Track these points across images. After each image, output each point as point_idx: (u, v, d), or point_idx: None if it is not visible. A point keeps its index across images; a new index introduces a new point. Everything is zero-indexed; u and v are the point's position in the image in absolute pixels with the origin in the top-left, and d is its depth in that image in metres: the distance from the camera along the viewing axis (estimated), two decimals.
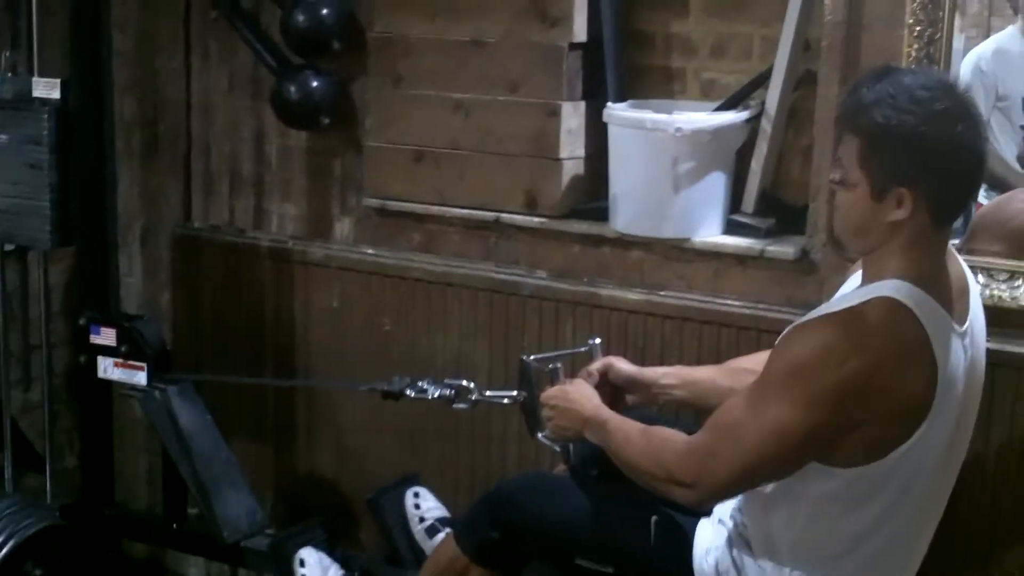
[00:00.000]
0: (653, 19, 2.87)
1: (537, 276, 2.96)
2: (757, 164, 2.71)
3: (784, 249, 2.67)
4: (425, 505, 2.82)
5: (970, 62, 2.79)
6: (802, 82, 2.69)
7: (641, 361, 2.53)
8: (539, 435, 2.38)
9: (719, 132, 2.69)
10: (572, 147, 2.89)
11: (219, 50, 3.41)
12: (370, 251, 3.21)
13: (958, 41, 2.55)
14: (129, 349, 2.92)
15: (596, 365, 2.42)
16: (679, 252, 2.77)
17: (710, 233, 2.74)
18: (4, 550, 2.62)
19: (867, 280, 1.99)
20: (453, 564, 2.37)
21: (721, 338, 2.70)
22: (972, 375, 2.02)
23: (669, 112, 2.70)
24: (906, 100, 1.88)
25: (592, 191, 2.91)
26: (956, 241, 2.36)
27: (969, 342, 1.99)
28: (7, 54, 3.09)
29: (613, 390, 2.40)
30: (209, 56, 3.43)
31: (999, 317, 2.38)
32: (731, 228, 2.76)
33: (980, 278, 2.45)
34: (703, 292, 2.76)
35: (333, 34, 3.11)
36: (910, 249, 1.93)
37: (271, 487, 3.37)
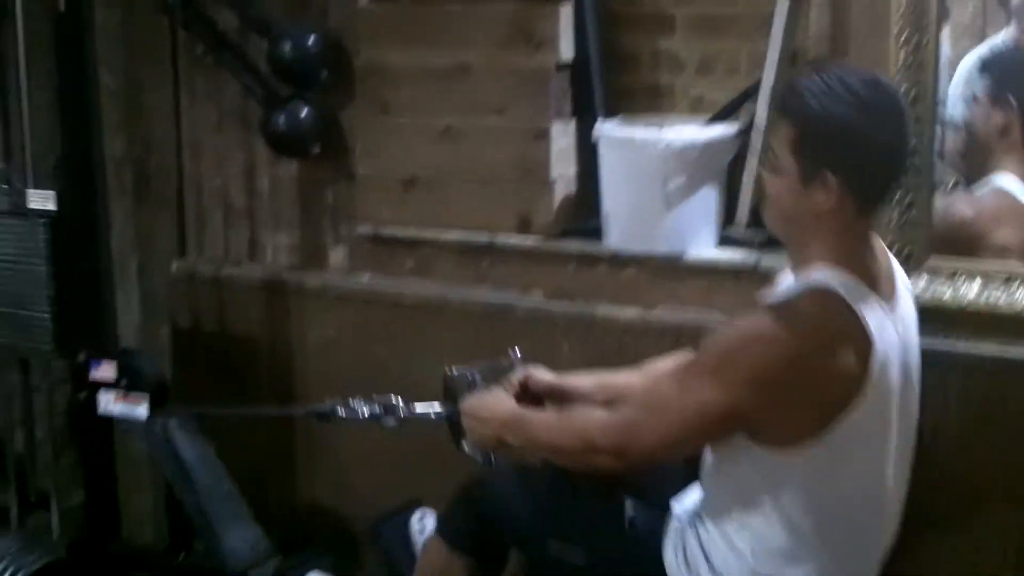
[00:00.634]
0: (639, 37, 2.89)
1: (531, 298, 2.96)
2: (748, 178, 2.71)
3: (778, 262, 2.67)
4: (430, 527, 2.82)
5: (964, 68, 2.80)
6: None
7: None
8: (464, 446, 2.37)
9: (709, 147, 2.70)
10: (563, 167, 2.90)
11: (207, 85, 3.42)
12: (365, 279, 3.21)
13: (946, 47, 2.56)
14: (128, 383, 2.92)
15: (515, 376, 2.45)
16: (673, 269, 2.77)
17: (704, 248, 2.75)
18: None
19: (796, 268, 2.08)
20: (438, 556, 2.40)
21: None
22: (907, 360, 2.09)
23: (658, 128, 2.71)
24: (841, 91, 1.97)
25: (585, 211, 2.91)
26: None
27: (901, 326, 2.07)
28: (0, 166, 3.10)
29: (533, 400, 2.42)
30: (196, 92, 3.44)
31: (997, 323, 2.41)
32: (724, 242, 2.76)
33: (977, 282, 2.46)
34: (698, 307, 2.76)
35: (319, 64, 3.13)
36: (836, 236, 2.01)
37: (272, 517, 3.36)
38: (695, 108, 2.85)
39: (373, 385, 3.09)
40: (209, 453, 3.00)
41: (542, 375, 2.45)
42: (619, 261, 2.84)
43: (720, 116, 2.75)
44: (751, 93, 2.71)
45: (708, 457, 2.16)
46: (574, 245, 2.90)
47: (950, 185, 2.71)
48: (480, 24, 2.91)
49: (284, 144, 3.23)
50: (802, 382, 1.95)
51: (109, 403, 2.94)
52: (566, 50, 2.85)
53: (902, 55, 2.45)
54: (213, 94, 3.41)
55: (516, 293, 2.98)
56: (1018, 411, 2.43)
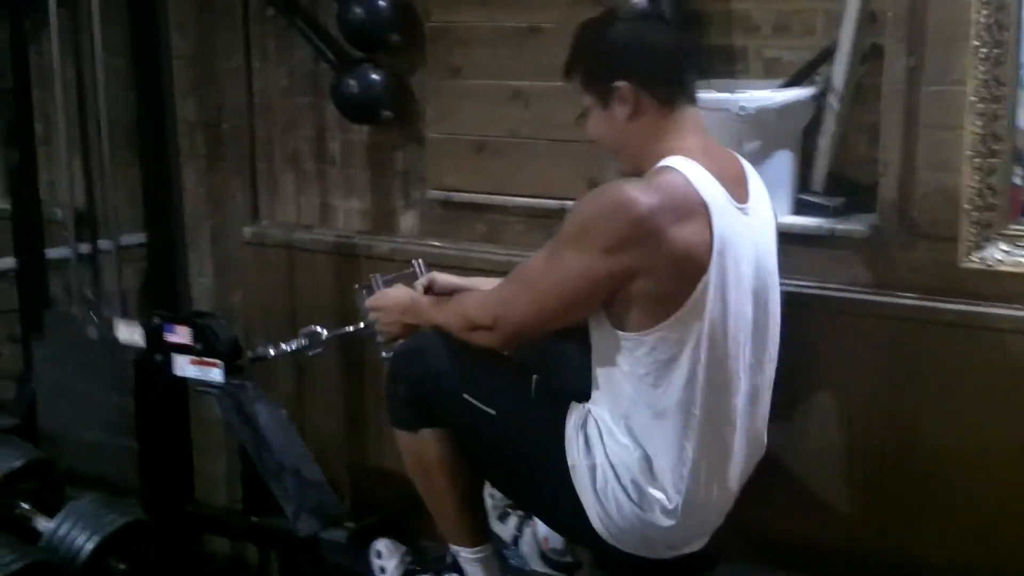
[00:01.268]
0: None
1: None
2: (824, 142, 2.66)
3: (854, 227, 2.62)
4: (499, 494, 2.83)
5: None
6: (868, 56, 2.64)
7: None
8: (382, 352, 2.57)
9: (784, 110, 2.64)
10: None
11: (278, 49, 3.43)
12: (435, 243, 3.21)
13: None
14: (203, 347, 2.95)
15: (420, 280, 2.63)
16: None
17: (778, 213, 2.70)
18: (89, 546, 2.67)
19: None
20: (406, 445, 2.45)
21: (790, 318, 2.67)
22: (763, 263, 2.25)
23: (732, 92, 2.66)
24: (597, 28, 2.27)
25: None
26: None
27: (755, 222, 2.23)
28: (90, 296, 3.13)
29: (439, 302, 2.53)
30: (268, 55, 3.45)
31: None
32: (799, 208, 2.72)
33: (1001, 246, 2.44)
34: None
35: (390, 27, 3.12)
36: (665, 134, 2.21)
37: (344, 482, 3.40)
38: (769, 70, 2.80)
39: None
40: (282, 417, 3.03)
41: (445, 278, 2.64)
42: None
43: (796, 79, 2.70)
44: (828, 54, 2.66)
45: (593, 353, 2.27)
46: None
47: None
48: None
49: (355, 108, 3.24)
50: (651, 245, 2.08)
51: (184, 366, 2.97)
52: None
53: (983, 15, 2.38)
54: (284, 58, 3.42)
55: None
56: None
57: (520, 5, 2.94)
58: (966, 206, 2.43)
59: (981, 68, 2.39)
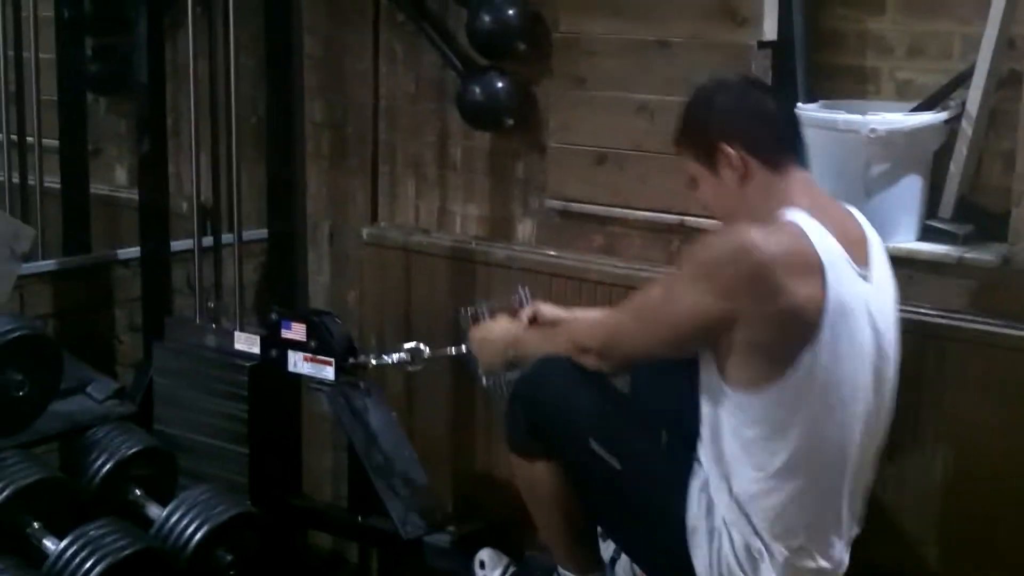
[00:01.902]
0: (847, 17, 2.80)
1: None
2: (956, 167, 2.61)
3: (983, 257, 2.56)
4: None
5: None
6: (1005, 82, 2.58)
7: None
8: (483, 381, 2.62)
9: (915, 134, 2.60)
10: None
11: (405, 53, 3.46)
12: (552, 253, 3.21)
13: None
14: (318, 345, 2.98)
15: (524, 312, 2.64)
16: None
17: (904, 239, 2.65)
18: (198, 535, 2.70)
19: None
20: (521, 470, 2.46)
21: (915, 348, 2.61)
22: (880, 328, 2.20)
23: (862, 113, 2.62)
24: (702, 96, 2.32)
25: None
26: None
27: (873, 288, 2.20)
28: (211, 304, 3.20)
29: None
30: (396, 59, 3.48)
31: None
32: (926, 234, 2.66)
33: None
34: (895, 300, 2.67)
35: (518, 35, 3.13)
36: (777, 195, 2.19)
37: (449, 486, 3.40)
38: (902, 93, 2.75)
39: None
40: (391, 418, 3.05)
41: (549, 309, 2.64)
42: None
43: (929, 102, 2.64)
44: (964, 79, 2.60)
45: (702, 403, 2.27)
46: None
47: None
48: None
49: (478, 115, 3.25)
50: (768, 296, 2.07)
51: (298, 362, 3.01)
52: (769, 28, 2.79)
53: None
54: (412, 62, 3.45)
55: None
56: None
57: (650, 18, 2.92)
58: None
59: None
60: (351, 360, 2.93)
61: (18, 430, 2.85)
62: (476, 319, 2.67)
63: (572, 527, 2.46)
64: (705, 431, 2.25)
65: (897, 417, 2.35)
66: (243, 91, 3.13)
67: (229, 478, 3.06)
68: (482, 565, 2.77)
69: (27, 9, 3.45)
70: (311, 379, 3.02)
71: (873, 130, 2.58)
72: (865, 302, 2.16)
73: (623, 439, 2.32)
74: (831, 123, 2.64)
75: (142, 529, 2.73)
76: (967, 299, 2.59)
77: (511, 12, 3.10)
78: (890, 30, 2.75)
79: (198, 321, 3.21)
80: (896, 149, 2.59)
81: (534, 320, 2.62)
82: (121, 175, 4.03)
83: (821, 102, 2.75)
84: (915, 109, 2.64)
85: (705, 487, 2.25)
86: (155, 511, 2.82)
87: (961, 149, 2.59)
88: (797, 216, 2.13)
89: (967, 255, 2.58)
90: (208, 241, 3.26)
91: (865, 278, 2.17)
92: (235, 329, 3.12)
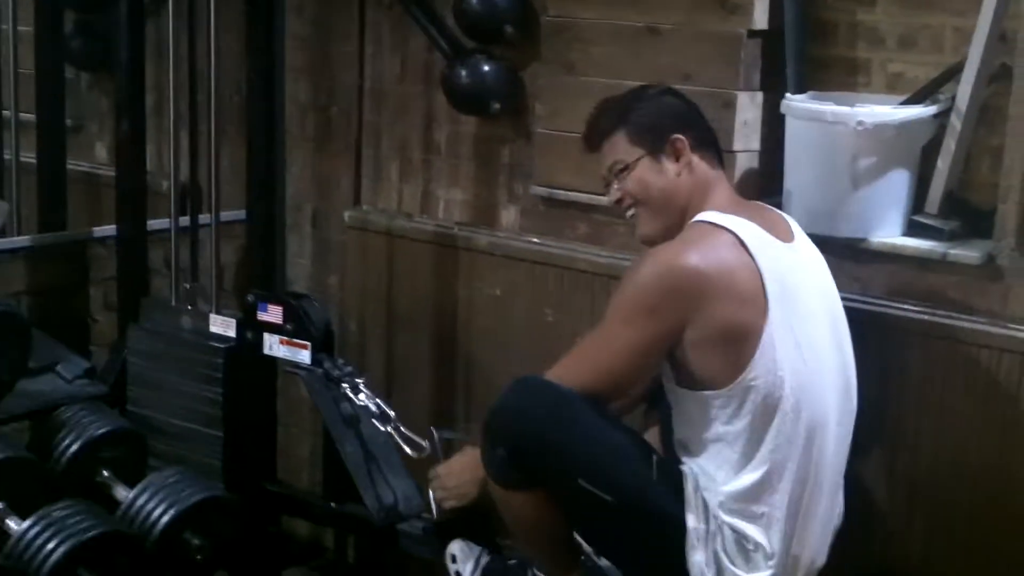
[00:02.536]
0: (838, 7, 2.75)
1: None
2: (944, 163, 2.57)
3: (969, 253, 2.52)
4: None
5: None
6: (996, 77, 2.54)
7: None
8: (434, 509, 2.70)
9: (904, 127, 2.56)
10: (747, 140, 2.80)
11: (392, 36, 3.41)
12: (535, 240, 3.17)
13: None
14: (295, 328, 2.94)
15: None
16: (855, 252, 2.65)
17: (889, 234, 2.62)
18: (165, 518, 2.66)
19: None
20: (503, 499, 2.43)
21: (898, 344, 2.58)
22: (823, 285, 2.34)
23: (851, 105, 2.58)
24: (640, 94, 2.47)
25: (766, 186, 2.80)
26: None
27: (805, 258, 2.33)
28: (188, 286, 3.15)
29: None
30: (382, 42, 3.44)
31: None
32: (912, 229, 2.63)
33: None
34: (878, 295, 2.63)
35: (506, 19, 3.09)
36: (707, 192, 2.35)
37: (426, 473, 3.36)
38: (892, 85, 2.71)
39: (539, 346, 3.08)
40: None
41: None
42: None
43: (918, 96, 2.60)
44: (955, 72, 2.56)
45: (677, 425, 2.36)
46: None
47: None
48: None
49: (464, 99, 3.21)
50: (705, 300, 2.18)
51: (274, 345, 2.97)
52: (760, 17, 2.75)
53: None
54: (398, 45, 3.41)
55: None
56: None
57: (640, 4, 2.88)
58: None
59: None
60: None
61: None
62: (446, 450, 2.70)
63: (558, 549, 2.46)
64: (682, 434, 2.30)
65: (881, 413, 2.32)
66: (225, 70, 3.08)
67: (203, 462, 3.02)
68: (453, 559, 2.74)
69: None
70: (287, 362, 2.98)
71: (861, 123, 2.54)
72: (803, 269, 2.30)
73: (614, 472, 2.30)
74: (819, 114, 2.60)
75: (109, 511, 2.69)
76: (952, 295, 2.55)
77: None
78: (882, 22, 2.71)
79: (174, 302, 3.17)
80: (884, 142, 2.56)
81: None
82: (102, 152, 4.00)
83: (810, 93, 2.72)
84: (904, 102, 2.60)
85: (698, 488, 2.27)
86: (123, 493, 2.78)
87: (950, 144, 2.55)
88: (714, 216, 2.28)
89: (952, 251, 2.55)
90: (186, 221, 3.22)
91: (794, 251, 2.31)
92: (211, 311, 3.08)
